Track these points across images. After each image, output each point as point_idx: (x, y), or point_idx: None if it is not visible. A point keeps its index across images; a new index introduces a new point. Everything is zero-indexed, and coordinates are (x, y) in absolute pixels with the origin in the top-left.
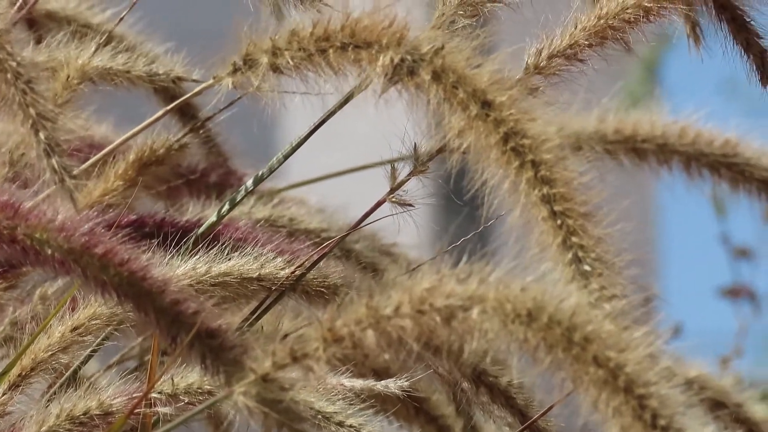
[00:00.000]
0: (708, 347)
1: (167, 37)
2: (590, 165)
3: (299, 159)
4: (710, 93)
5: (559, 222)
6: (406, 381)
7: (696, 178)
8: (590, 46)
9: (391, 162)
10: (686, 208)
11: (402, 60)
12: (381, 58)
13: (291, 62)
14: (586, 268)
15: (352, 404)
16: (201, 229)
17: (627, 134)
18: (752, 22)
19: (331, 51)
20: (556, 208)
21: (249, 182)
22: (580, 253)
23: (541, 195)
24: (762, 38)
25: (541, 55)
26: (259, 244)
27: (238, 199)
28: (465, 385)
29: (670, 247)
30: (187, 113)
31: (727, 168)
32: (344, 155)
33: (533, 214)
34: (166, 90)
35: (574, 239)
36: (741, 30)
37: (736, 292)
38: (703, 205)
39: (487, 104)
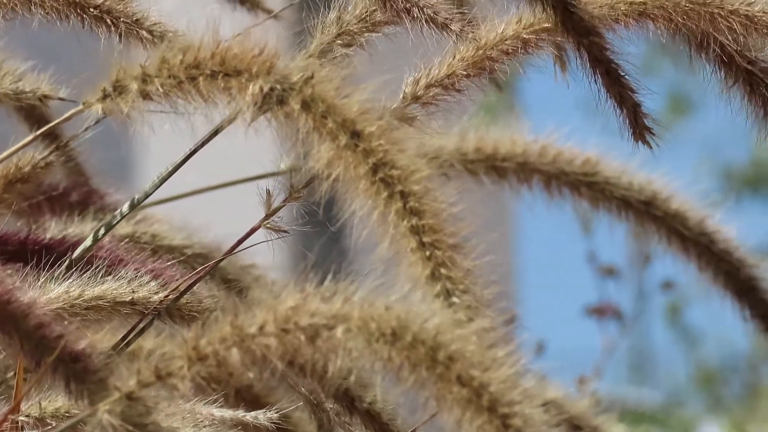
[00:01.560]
0: (574, 366)
1: (30, 56)
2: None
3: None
4: (569, 111)
5: (428, 253)
6: (275, 413)
7: (556, 197)
8: (468, 76)
9: (254, 178)
10: (552, 227)
11: (271, 89)
12: (250, 86)
13: (161, 89)
14: (455, 300)
15: (218, 430)
16: (76, 253)
17: (487, 152)
18: (626, 77)
19: (201, 78)
20: (425, 239)
21: (125, 206)
22: (449, 285)
23: (410, 226)
24: (635, 92)
25: (418, 84)
26: (133, 267)
27: (114, 223)
28: (328, 404)
29: (539, 266)
30: (51, 132)
31: (588, 186)
32: (207, 173)
33: (402, 245)
34: (33, 108)
35: (443, 271)
36: (615, 84)
37: (601, 311)
38: (570, 224)
39: (356, 134)
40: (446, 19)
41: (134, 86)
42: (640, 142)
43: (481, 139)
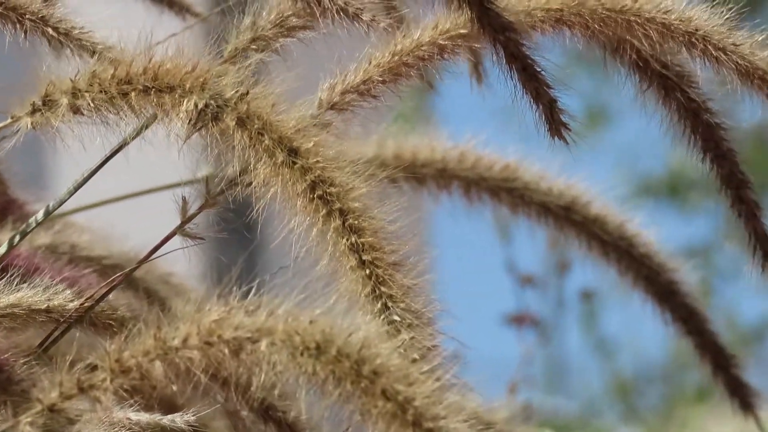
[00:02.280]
0: (492, 376)
1: None
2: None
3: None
4: (486, 118)
5: (367, 271)
6: (192, 416)
7: (476, 203)
8: (384, 82)
9: (171, 186)
10: (471, 235)
11: (206, 105)
12: (184, 103)
13: (92, 104)
14: (395, 318)
15: None
16: None
17: (406, 159)
18: (542, 72)
19: (133, 94)
20: (365, 257)
21: (40, 214)
22: (390, 303)
23: (350, 244)
24: (551, 88)
25: (334, 90)
26: (49, 275)
27: (28, 231)
28: (251, 418)
29: (457, 275)
30: None
31: (507, 192)
32: (132, 181)
33: (341, 263)
34: None
35: (383, 289)
36: (531, 80)
37: (520, 320)
38: (488, 232)
39: (293, 151)
40: (357, 9)
41: (64, 101)
42: (556, 139)
43: (399, 146)
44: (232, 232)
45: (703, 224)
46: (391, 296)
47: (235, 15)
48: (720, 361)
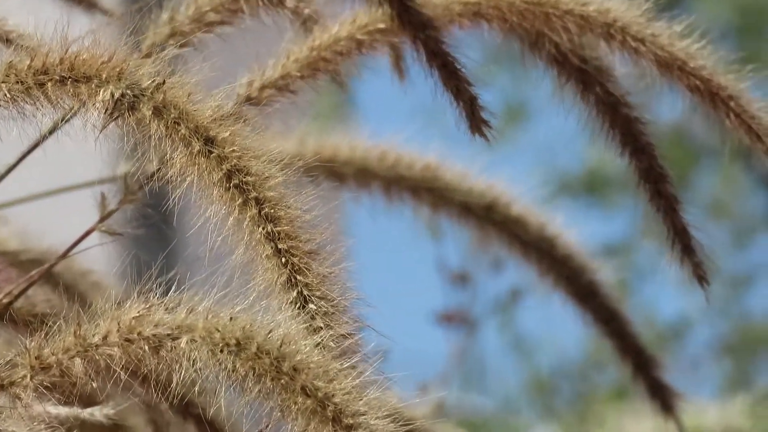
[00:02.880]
0: (420, 373)
1: None
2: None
3: None
4: (407, 116)
5: (283, 260)
6: (111, 409)
7: (397, 202)
8: (302, 77)
9: (90, 185)
10: (403, 234)
11: (122, 95)
12: (101, 92)
13: (8, 95)
14: (312, 306)
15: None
16: None
17: (327, 157)
18: (463, 70)
19: (49, 84)
20: (281, 246)
21: None
22: (306, 292)
23: (266, 233)
24: (472, 85)
25: (252, 86)
26: None
27: None
28: (171, 415)
29: (388, 272)
30: None
31: (428, 192)
32: (42, 176)
33: (257, 251)
34: None
35: (299, 278)
36: (451, 77)
37: (449, 318)
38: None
39: (210, 141)
40: None
41: None
42: (477, 136)
43: (320, 143)
44: (151, 228)
45: (621, 222)
46: (306, 284)
47: (152, 11)
48: (640, 362)
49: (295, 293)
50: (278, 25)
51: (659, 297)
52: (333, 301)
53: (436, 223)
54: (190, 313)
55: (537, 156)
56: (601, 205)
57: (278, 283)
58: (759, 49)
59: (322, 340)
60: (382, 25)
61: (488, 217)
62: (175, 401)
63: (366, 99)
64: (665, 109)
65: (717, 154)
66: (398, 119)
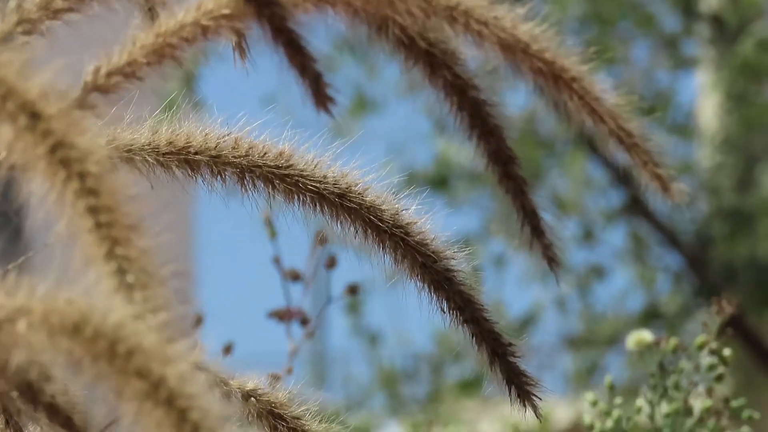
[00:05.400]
0: (261, 368)
1: None
2: (140, 177)
3: None
4: (252, 105)
5: (103, 233)
6: None
7: (250, 190)
8: (148, 63)
9: None
10: (240, 232)
11: None
12: None
13: None
14: (130, 279)
15: None
16: None
17: (180, 146)
18: (308, 46)
19: None
20: (101, 219)
21: None
22: (125, 265)
23: (87, 206)
24: (316, 62)
25: (99, 72)
26: None
27: None
28: (21, 402)
29: (226, 269)
30: None
31: (281, 179)
32: None
33: (78, 225)
34: None
35: (118, 250)
36: (297, 54)
37: (287, 315)
38: (256, 229)
39: (35, 116)
40: None
41: None
42: (322, 112)
43: (173, 132)
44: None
45: (471, 216)
46: (126, 257)
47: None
48: (497, 349)
49: (114, 265)
50: (126, 13)
51: (508, 291)
52: (152, 273)
53: (272, 222)
54: (29, 296)
55: (386, 148)
56: (450, 199)
57: (98, 256)
58: (603, 35)
59: (141, 311)
60: (227, 11)
61: (342, 204)
62: (24, 389)
63: (213, 87)
64: (514, 101)
65: (566, 148)
66: (245, 107)
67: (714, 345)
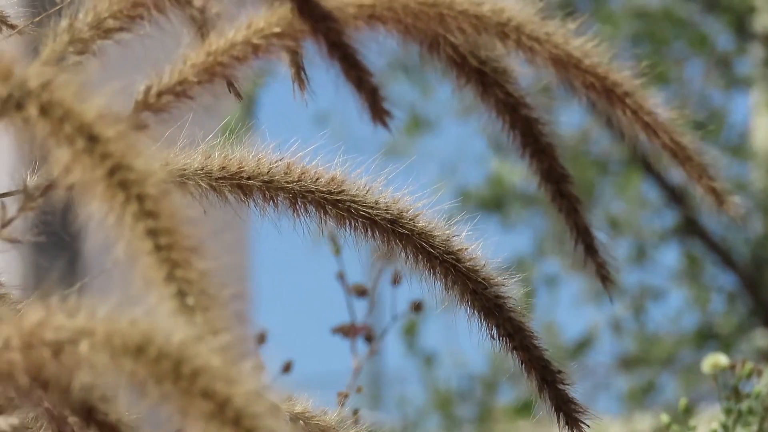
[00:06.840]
0: (324, 386)
1: None
2: (195, 201)
3: None
4: (307, 125)
5: (163, 255)
6: (16, 418)
7: (302, 215)
8: (199, 82)
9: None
10: (303, 247)
11: (10, 95)
12: None
13: None
14: (191, 301)
15: None
16: None
17: (233, 171)
18: (364, 61)
19: None
20: (161, 241)
21: None
22: (185, 287)
23: (146, 229)
24: (372, 76)
25: (150, 92)
26: None
27: None
28: (73, 420)
29: (288, 287)
30: None
31: (333, 205)
32: None
33: (138, 247)
34: None
35: (178, 272)
36: (353, 68)
37: (351, 331)
38: (320, 245)
39: (93, 138)
40: None
41: None
42: (379, 125)
43: (225, 157)
44: (52, 236)
45: (522, 236)
46: (186, 279)
47: (52, 21)
48: (546, 376)
49: (174, 287)
50: (176, 32)
51: (562, 312)
52: (212, 296)
53: (337, 239)
54: (91, 317)
55: (440, 168)
56: (504, 219)
57: (158, 279)
58: (655, 55)
59: (202, 333)
60: (277, 29)
61: (393, 230)
62: (77, 408)
63: (267, 103)
64: (568, 120)
65: (620, 168)
66: (299, 124)
67: None
